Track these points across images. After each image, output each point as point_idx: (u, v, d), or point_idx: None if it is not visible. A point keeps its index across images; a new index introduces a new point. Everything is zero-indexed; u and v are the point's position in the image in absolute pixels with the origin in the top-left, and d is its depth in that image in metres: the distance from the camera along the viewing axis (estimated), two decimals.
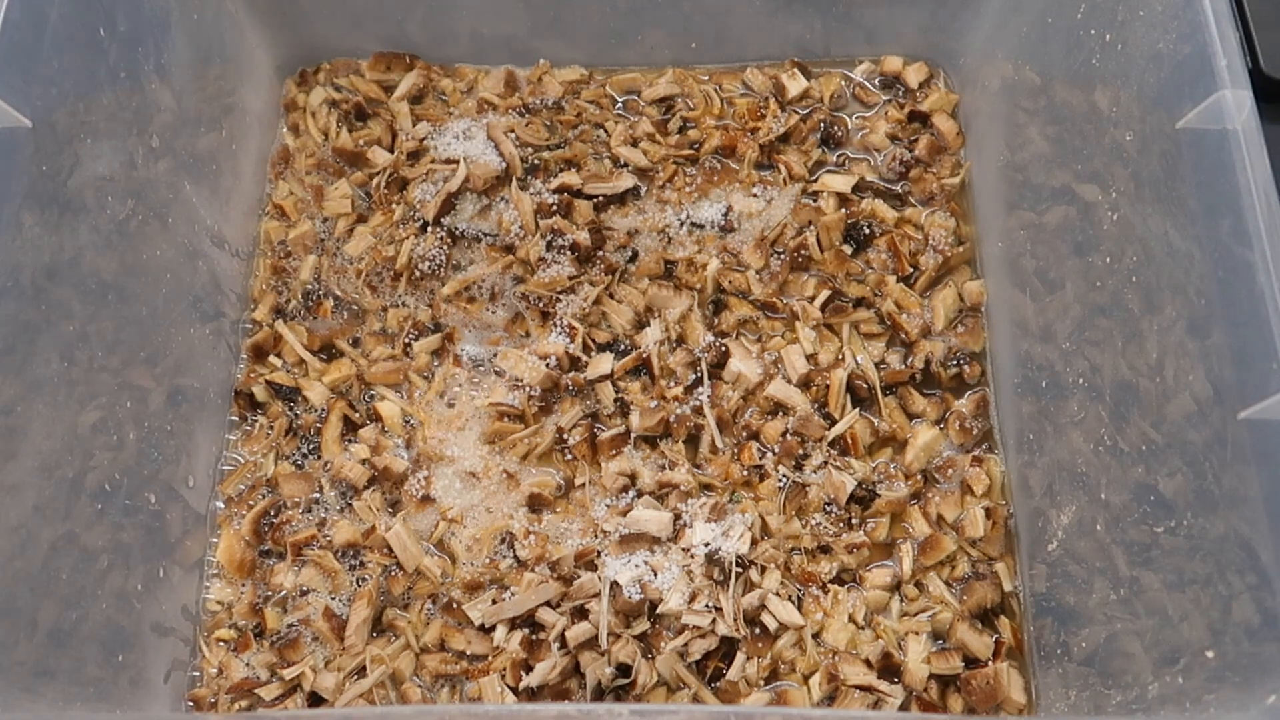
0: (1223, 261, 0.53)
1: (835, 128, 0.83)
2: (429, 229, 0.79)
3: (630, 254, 0.78)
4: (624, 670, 0.63)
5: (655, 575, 0.66)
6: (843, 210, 0.80)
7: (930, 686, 0.64)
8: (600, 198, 0.80)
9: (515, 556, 0.69)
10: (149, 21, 0.70)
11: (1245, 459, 0.51)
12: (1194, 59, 0.56)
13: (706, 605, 0.65)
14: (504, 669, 0.64)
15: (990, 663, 0.64)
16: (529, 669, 0.64)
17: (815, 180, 0.81)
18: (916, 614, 0.67)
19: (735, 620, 0.64)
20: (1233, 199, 0.53)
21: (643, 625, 0.65)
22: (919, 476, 0.71)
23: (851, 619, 0.66)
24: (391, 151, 0.83)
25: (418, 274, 0.78)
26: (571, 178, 0.80)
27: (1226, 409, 0.52)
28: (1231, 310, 0.53)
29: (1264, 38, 0.77)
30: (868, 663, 0.64)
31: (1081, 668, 0.61)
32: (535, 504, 0.70)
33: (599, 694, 0.63)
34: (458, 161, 0.80)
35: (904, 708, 0.63)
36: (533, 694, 0.63)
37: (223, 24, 0.79)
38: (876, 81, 0.85)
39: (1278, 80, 0.76)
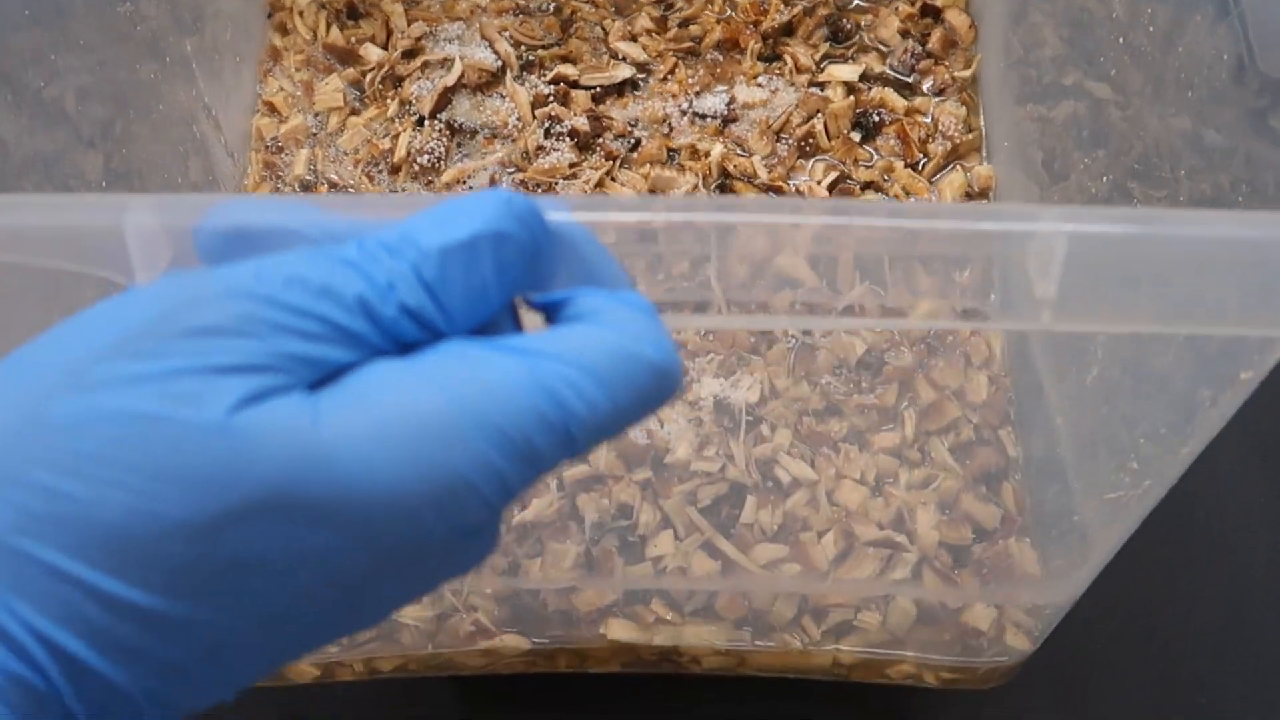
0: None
1: (844, 20, 0.86)
2: (426, 123, 0.82)
3: (631, 142, 0.82)
4: (625, 512, 0.67)
5: (662, 425, 0.69)
6: (851, 98, 0.83)
7: (941, 555, 0.68)
8: (598, 88, 0.83)
9: None
10: None
11: None
12: None
13: (717, 452, 0.68)
14: None
15: (1000, 538, 0.68)
16: (524, 508, 0.67)
17: (822, 71, 0.84)
18: (922, 483, 0.71)
19: (747, 466, 0.68)
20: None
21: (645, 473, 0.67)
22: (921, 346, 0.74)
23: (863, 479, 0.70)
24: (385, 49, 0.86)
25: (416, 167, 0.81)
26: (568, 69, 0.84)
27: None
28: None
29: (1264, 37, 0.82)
30: (880, 525, 0.68)
31: (1082, 541, 0.65)
32: None
33: (599, 532, 0.66)
34: (453, 59, 0.84)
35: (916, 571, 0.67)
36: (526, 530, 0.66)
37: None
38: None
39: (1276, 80, 0.80)
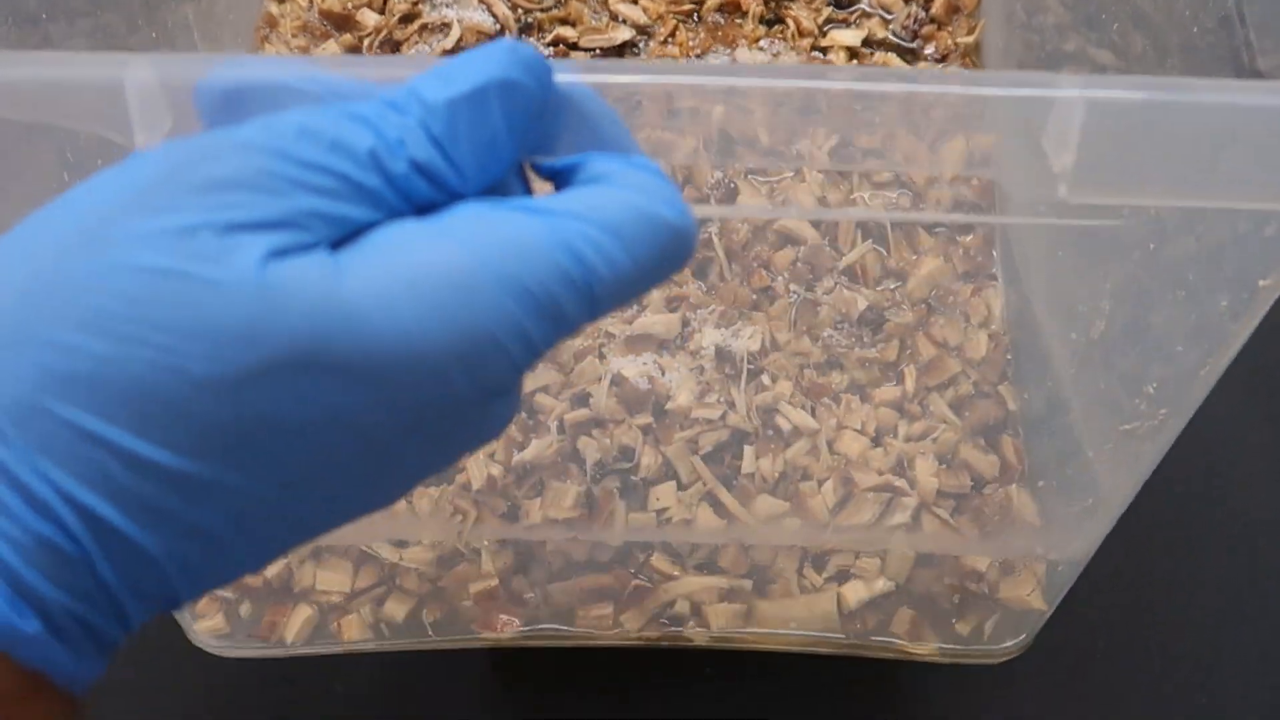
0: None
1: None
2: None
3: (632, 104, 0.81)
4: (627, 454, 0.66)
5: (663, 374, 0.68)
6: (853, 63, 0.82)
7: (940, 503, 0.68)
8: (597, 50, 0.83)
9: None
10: None
11: None
12: None
13: (718, 399, 0.67)
14: (493, 450, 0.67)
15: (1000, 485, 0.68)
16: (522, 448, 0.67)
17: (825, 36, 0.84)
18: (922, 434, 0.70)
19: (749, 413, 0.67)
20: None
21: (645, 419, 0.67)
22: (922, 305, 0.74)
23: (864, 430, 0.70)
24: (382, 14, 0.86)
25: None
26: (567, 31, 0.83)
27: None
28: None
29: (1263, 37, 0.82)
30: (879, 472, 0.68)
31: (1091, 486, 0.65)
32: None
33: (600, 472, 0.66)
34: (451, 23, 0.84)
35: (916, 516, 0.66)
36: (526, 470, 0.66)
37: None
38: None
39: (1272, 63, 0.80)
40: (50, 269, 0.28)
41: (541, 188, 0.35)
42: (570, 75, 0.33)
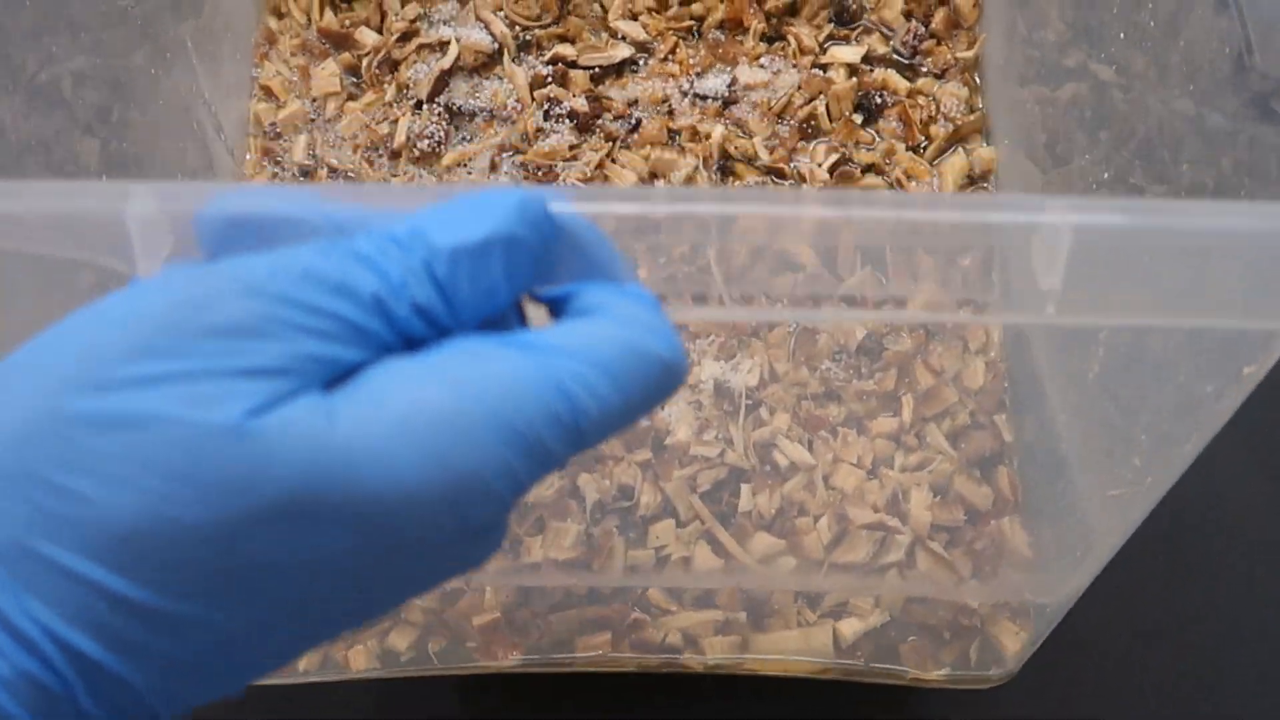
0: None
1: (848, 2, 0.86)
2: (424, 107, 0.82)
3: (631, 123, 0.82)
4: (626, 493, 0.67)
5: (662, 407, 0.68)
6: (854, 80, 0.83)
7: (935, 536, 0.69)
8: (596, 69, 0.83)
9: None
10: None
11: None
12: None
13: (716, 436, 0.68)
14: None
15: (993, 519, 0.69)
16: None
17: (825, 53, 0.84)
18: (917, 466, 0.71)
19: (746, 450, 0.68)
20: None
21: (645, 454, 0.67)
22: (921, 331, 0.74)
23: (860, 463, 0.70)
24: (380, 33, 0.86)
25: (416, 152, 0.81)
26: (566, 49, 0.84)
27: None
28: None
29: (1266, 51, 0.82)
30: (874, 508, 0.69)
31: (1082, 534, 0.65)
32: None
33: (600, 512, 0.67)
34: (449, 42, 0.84)
35: (910, 553, 0.67)
36: (527, 509, 0.66)
37: None
38: None
39: (1277, 79, 0.80)
40: (50, 407, 0.29)
41: (537, 310, 0.35)
42: (566, 206, 0.34)
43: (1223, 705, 0.74)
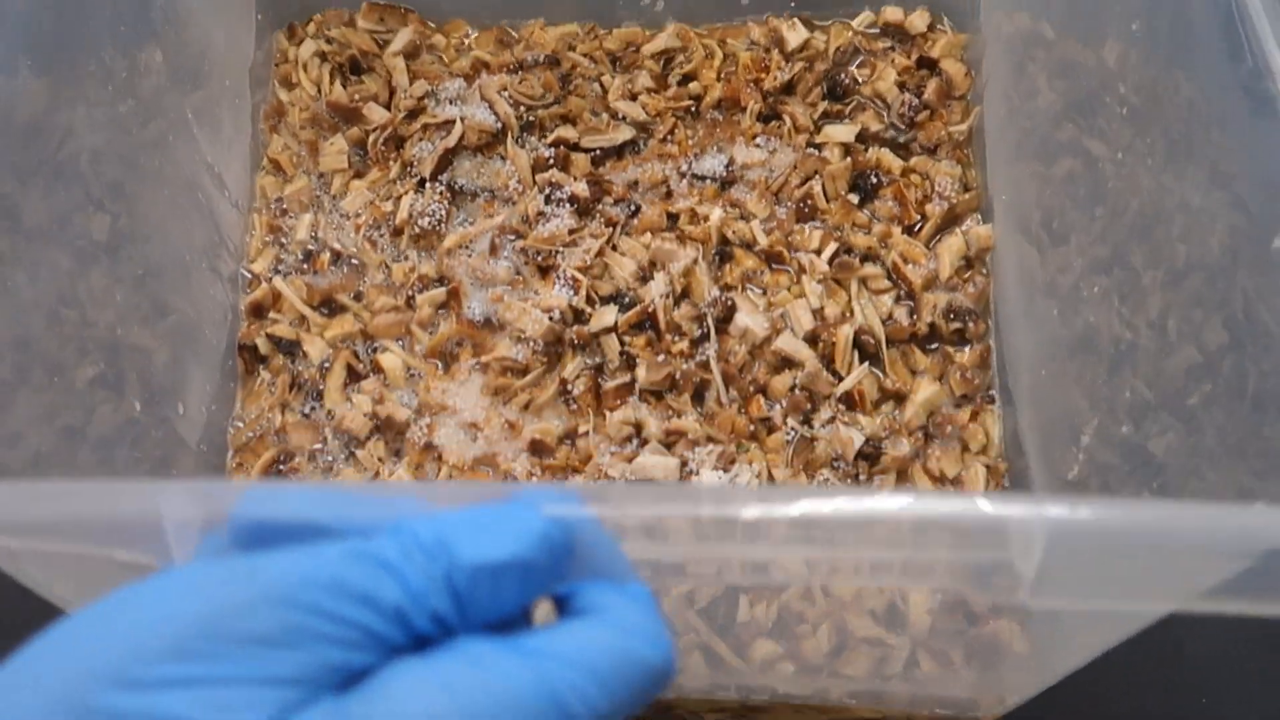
0: (1244, 105, 0.56)
1: (841, 76, 0.88)
2: (427, 185, 0.84)
3: (631, 208, 0.84)
4: None
5: (659, 520, 0.71)
6: (848, 160, 0.85)
7: (933, 640, 0.71)
8: (597, 151, 0.86)
9: None
10: None
11: None
12: None
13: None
14: None
15: (991, 619, 0.71)
16: None
17: (819, 131, 0.86)
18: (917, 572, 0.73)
19: (742, 566, 0.70)
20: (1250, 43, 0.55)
21: (644, 571, 0.70)
22: (919, 434, 0.77)
23: (857, 572, 0.72)
24: (388, 108, 0.88)
25: (417, 229, 0.83)
26: (568, 131, 0.86)
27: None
28: (1256, 144, 0.56)
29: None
30: (873, 615, 0.71)
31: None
32: (537, 450, 0.75)
33: None
34: (454, 121, 0.86)
35: (910, 658, 0.69)
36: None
37: None
38: (879, 30, 0.91)
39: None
40: (76, 697, 0.31)
41: (542, 601, 0.37)
42: (576, 508, 0.36)
43: None
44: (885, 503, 0.36)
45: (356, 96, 0.89)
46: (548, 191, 0.83)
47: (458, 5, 0.93)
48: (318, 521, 0.35)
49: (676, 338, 0.79)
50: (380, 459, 0.77)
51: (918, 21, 0.91)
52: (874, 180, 0.84)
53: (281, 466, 0.77)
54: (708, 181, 0.85)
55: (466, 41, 0.92)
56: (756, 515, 0.37)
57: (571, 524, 0.36)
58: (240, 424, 0.80)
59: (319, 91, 0.90)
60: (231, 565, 0.33)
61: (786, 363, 0.78)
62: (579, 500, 0.36)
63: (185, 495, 0.35)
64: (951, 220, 0.84)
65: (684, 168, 0.85)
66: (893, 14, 0.91)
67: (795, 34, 0.89)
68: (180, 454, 0.75)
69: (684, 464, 0.74)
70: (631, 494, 0.39)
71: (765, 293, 0.81)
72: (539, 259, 0.82)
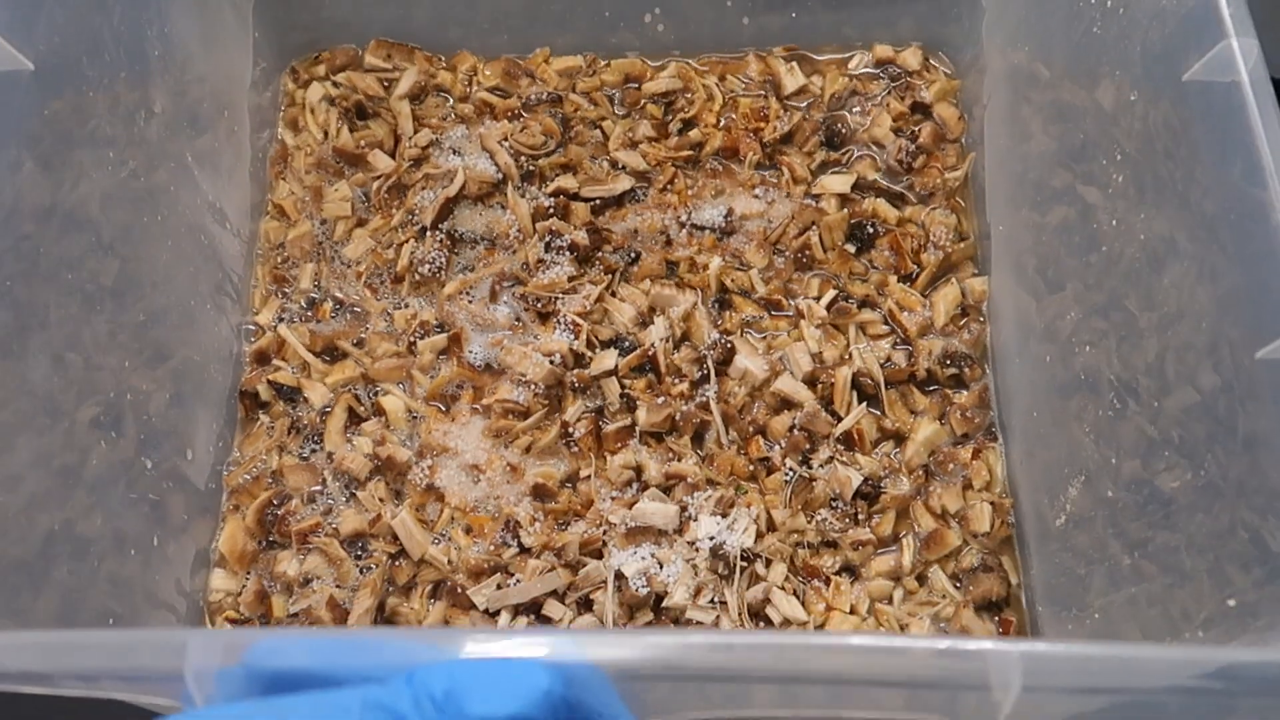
0: (1235, 206, 0.56)
1: (838, 125, 0.89)
2: (428, 233, 0.86)
3: (630, 255, 0.85)
4: None
5: (661, 568, 0.72)
6: (845, 210, 0.86)
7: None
8: (597, 200, 0.87)
9: (520, 544, 0.75)
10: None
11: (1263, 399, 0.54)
12: (1199, 10, 0.60)
13: (711, 600, 0.71)
14: None
15: None
16: None
17: (816, 182, 0.87)
18: (920, 609, 0.74)
19: (740, 615, 0.71)
20: (1245, 142, 0.56)
21: (646, 617, 0.71)
22: (920, 472, 0.78)
23: (854, 610, 0.73)
24: (393, 156, 0.90)
25: (418, 277, 0.85)
26: (568, 181, 0.87)
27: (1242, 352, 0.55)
28: (1246, 250, 0.56)
29: (1264, 38, 0.84)
30: None
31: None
32: (539, 494, 0.77)
33: None
34: (455, 172, 0.87)
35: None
36: None
37: (222, 10, 0.86)
38: (872, 67, 0.92)
39: (1278, 81, 0.82)
40: None
41: None
42: (578, 653, 0.38)
43: None
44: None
45: (363, 143, 0.90)
46: (548, 239, 0.85)
47: (464, 35, 0.94)
48: (330, 673, 0.37)
49: (676, 380, 0.80)
50: (381, 499, 0.78)
51: (910, 59, 0.92)
52: (870, 230, 0.86)
53: (277, 509, 0.78)
54: (707, 232, 0.86)
55: (474, 77, 0.93)
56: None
57: (573, 674, 0.38)
58: (235, 466, 0.81)
59: (325, 136, 0.91)
60: (254, 712, 0.35)
61: (786, 404, 0.79)
62: (579, 647, 0.38)
63: (206, 644, 0.37)
64: (947, 268, 0.85)
65: (683, 217, 0.87)
66: (883, 52, 0.93)
67: (793, 78, 0.91)
68: (176, 495, 0.76)
69: (683, 509, 0.75)
70: (629, 642, 0.41)
71: (764, 337, 0.82)
72: (539, 305, 0.83)
